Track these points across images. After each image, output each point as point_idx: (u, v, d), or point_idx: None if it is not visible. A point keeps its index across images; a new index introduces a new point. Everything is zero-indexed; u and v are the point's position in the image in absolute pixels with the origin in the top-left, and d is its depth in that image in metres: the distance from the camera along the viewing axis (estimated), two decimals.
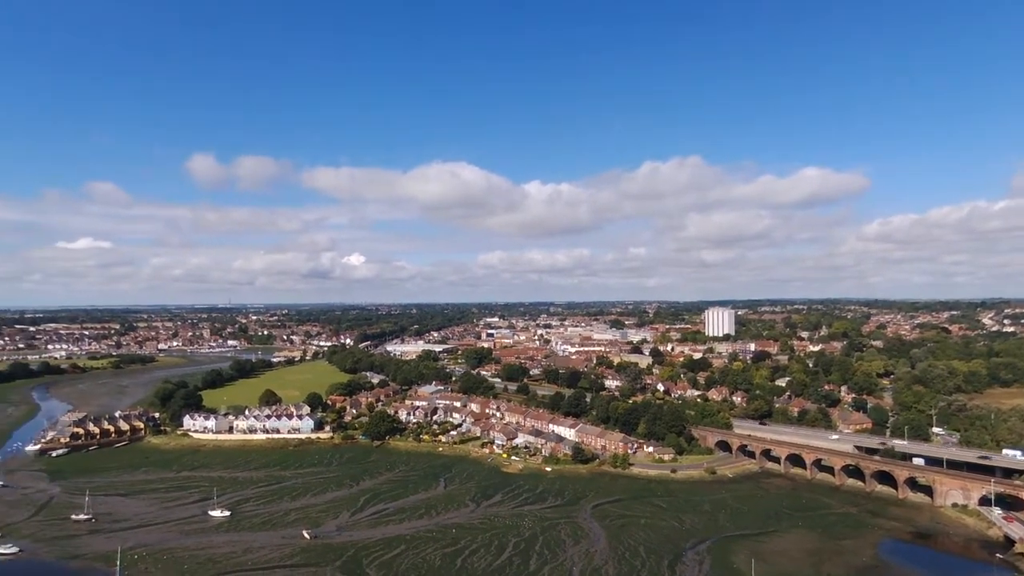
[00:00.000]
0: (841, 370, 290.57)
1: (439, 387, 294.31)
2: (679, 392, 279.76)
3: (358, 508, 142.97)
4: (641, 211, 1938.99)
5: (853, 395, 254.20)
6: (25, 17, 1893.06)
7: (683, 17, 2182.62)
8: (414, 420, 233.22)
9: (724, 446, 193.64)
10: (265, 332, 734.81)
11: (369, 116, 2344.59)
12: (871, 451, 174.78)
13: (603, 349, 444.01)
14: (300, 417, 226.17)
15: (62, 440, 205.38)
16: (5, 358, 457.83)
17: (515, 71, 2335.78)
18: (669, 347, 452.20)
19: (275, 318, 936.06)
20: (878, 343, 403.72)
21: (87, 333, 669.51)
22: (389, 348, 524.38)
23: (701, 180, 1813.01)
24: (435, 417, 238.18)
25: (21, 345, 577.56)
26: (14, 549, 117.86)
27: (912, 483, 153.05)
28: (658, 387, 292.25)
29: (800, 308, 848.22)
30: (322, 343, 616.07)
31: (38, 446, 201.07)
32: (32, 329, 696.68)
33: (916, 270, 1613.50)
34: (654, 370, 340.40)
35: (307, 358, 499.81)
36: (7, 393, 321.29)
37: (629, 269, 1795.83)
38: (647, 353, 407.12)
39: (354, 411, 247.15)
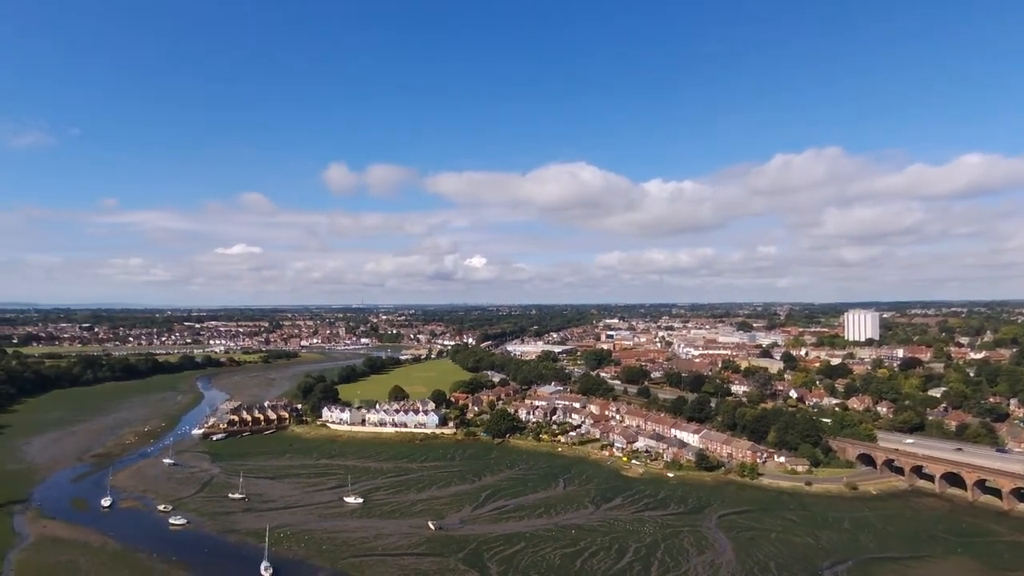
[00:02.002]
0: (1010, 380, 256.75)
1: (558, 387, 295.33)
2: (814, 400, 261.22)
3: (479, 503, 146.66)
4: (771, 207, 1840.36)
5: None
6: (181, 44, 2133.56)
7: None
8: (533, 419, 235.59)
9: (867, 460, 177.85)
10: (394, 331, 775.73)
11: (489, 121, 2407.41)
12: None
13: (729, 353, 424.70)
14: (426, 413, 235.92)
15: (221, 426, 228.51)
16: (176, 351, 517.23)
17: (634, 68, 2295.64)
18: (803, 351, 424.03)
19: (403, 318, 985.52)
20: None
21: (241, 330, 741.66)
22: (509, 348, 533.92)
23: (840, 172, 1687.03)
24: (554, 417, 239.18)
25: (188, 340, 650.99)
26: (183, 520, 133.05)
27: None
28: (790, 394, 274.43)
29: (958, 311, 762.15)
30: (446, 342, 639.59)
31: (202, 430, 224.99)
32: (197, 326, 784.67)
33: None
34: (786, 376, 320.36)
35: (432, 356, 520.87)
36: (177, 382, 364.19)
37: (758, 269, 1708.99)
38: (778, 357, 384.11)
39: (476, 408, 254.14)
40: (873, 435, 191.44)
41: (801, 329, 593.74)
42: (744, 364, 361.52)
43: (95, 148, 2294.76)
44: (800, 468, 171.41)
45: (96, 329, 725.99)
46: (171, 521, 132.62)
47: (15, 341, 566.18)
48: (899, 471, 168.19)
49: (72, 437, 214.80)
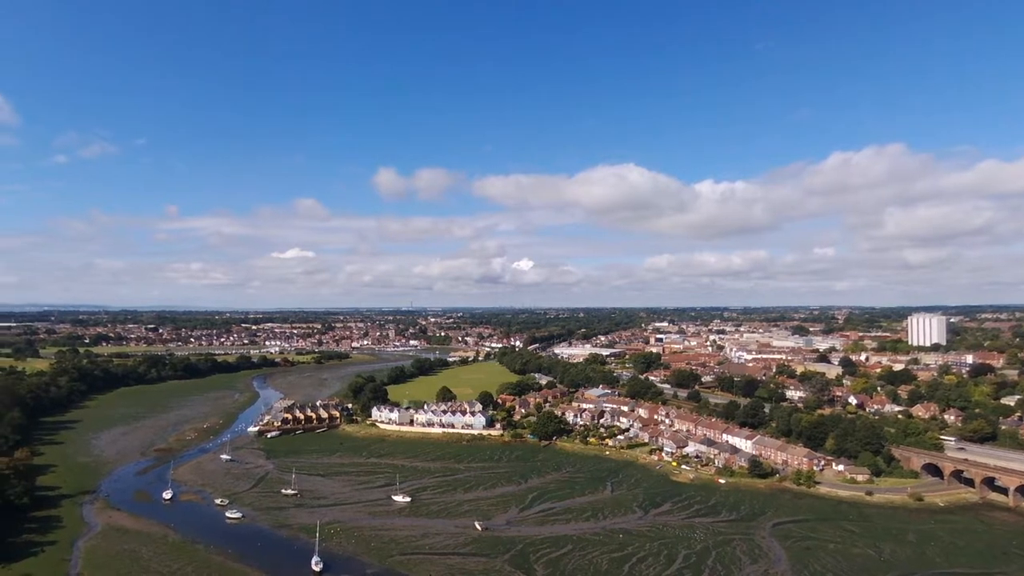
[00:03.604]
0: None
1: (606, 391, 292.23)
2: (875, 406, 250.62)
3: (526, 505, 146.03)
4: (828, 207, 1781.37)
5: None
6: (237, 56, 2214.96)
7: None
8: (581, 422, 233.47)
9: (932, 470, 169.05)
10: (442, 333, 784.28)
11: (536, 123, 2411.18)
12: None
13: (784, 357, 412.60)
14: (473, 414, 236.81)
15: (275, 424, 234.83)
16: (234, 352, 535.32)
17: (683, 67, 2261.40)
18: (863, 357, 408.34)
19: (451, 320, 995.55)
20: None
21: (295, 332, 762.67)
22: (557, 351, 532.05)
23: (904, 170, 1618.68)
24: (602, 420, 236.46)
25: (245, 341, 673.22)
26: (239, 514, 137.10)
27: None
28: (849, 400, 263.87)
29: None
30: (493, 345, 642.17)
31: (257, 428, 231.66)
32: (254, 328, 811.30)
33: None
34: (844, 381, 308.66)
35: (479, 358, 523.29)
36: (235, 381, 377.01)
37: (814, 272, 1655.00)
38: (836, 363, 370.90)
39: (523, 411, 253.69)
40: (940, 444, 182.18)
41: (861, 334, 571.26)
42: (800, 369, 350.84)
43: (158, 157, 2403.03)
44: (860, 477, 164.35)
45: (160, 330, 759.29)
46: (227, 515, 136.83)
47: (87, 341, 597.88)
48: (969, 483, 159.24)
49: (137, 432, 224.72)
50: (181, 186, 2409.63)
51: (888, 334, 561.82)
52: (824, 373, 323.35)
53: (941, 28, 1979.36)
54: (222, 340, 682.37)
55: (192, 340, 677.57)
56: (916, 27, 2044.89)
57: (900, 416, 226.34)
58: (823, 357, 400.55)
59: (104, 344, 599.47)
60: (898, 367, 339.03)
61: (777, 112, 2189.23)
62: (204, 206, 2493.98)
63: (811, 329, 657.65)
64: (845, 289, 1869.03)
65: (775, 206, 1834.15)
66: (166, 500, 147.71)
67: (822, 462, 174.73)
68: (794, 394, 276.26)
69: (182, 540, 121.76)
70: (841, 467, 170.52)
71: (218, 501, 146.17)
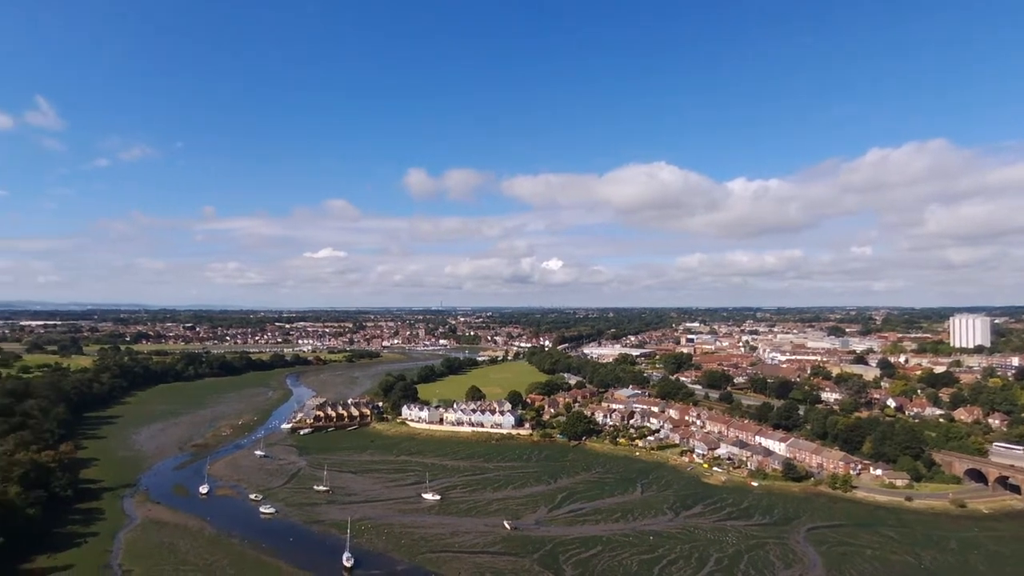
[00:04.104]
0: None
1: (636, 391, 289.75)
2: (915, 410, 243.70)
3: (555, 505, 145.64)
4: (865, 205, 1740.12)
5: None
6: (269, 61, 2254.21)
7: None
8: (610, 423, 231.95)
9: (976, 476, 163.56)
10: (471, 333, 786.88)
11: (565, 122, 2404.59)
12: None
13: (819, 359, 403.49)
14: (502, 413, 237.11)
15: (308, 421, 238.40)
16: (268, 350, 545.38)
17: (714, 64, 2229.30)
18: (902, 358, 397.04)
19: (480, 320, 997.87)
20: None
21: (327, 331, 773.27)
22: (586, 351, 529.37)
23: (946, 166, 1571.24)
24: (632, 421, 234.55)
25: (279, 340, 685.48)
26: (272, 510, 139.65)
27: None
28: (888, 403, 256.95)
29: None
30: (522, 344, 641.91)
31: (290, 425, 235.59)
32: (287, 326, 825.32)
33: None
34: (883, 383, 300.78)
35: (508, 358, 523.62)
36: (269, 379, 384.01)
37: (850, 271, 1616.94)
38: (874, 364, 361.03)
39: (552, 410, 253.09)
40: (984, 449, 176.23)
41: (900, 335, 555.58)
42: (836, 371, 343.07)
43: (196, 159, 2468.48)
44: (899, 482, 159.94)
45: (197, 328, 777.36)
46: (262, 510, 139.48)
47: (127, 339, 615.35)
48: (1015, 489, 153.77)
49: (175, 428, 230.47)
50: (218, 188, 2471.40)
51: (928, 335, 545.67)
52: (861, 375, 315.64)
53: (983, 19, 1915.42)
54: (256, 338, 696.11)
55: (228, 338, 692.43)
56: (956, 19, 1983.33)
57: (941, 420, 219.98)
58: (860, 359, 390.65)
59: (144, 342, 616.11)
60: (939, 369, 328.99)
61: (812, 108, 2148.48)
62: (240, 207, 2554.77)
63: (848, 330, 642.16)
64: (883, 289, 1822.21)
65: (810, 204, 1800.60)
66: (203, 494, 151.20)
67: (859, 466, 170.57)
68: (829, 396, 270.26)
69: (218, 534, 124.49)
70: (879, 471, 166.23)
71: (252, 496, 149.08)
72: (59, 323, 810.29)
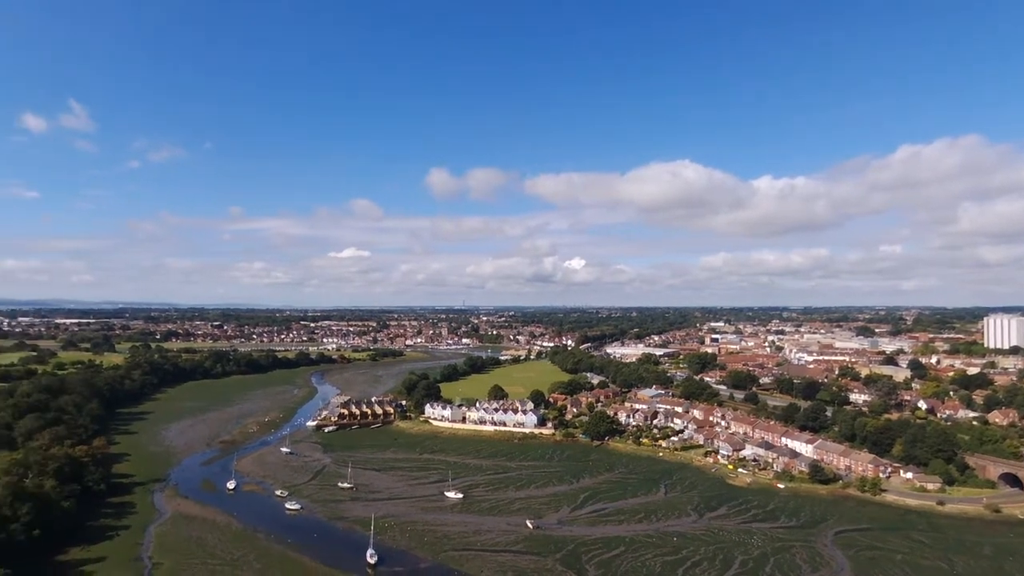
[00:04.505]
0: None
1: (659, 391, 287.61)
2: (947, 412, 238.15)
3: (578, 504, 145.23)
4: (894, 203, 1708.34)
5: None
6: (296, 63, 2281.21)
7: None
8: (633, 423, 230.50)
9: (1011, 480, 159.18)
10: (494, 332, 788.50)
11: (587, 121, 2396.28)
12: None
13: (847, 359, 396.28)
14: (524, 412, 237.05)
15: (332, 419, 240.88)
16: (293, 348, 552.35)
17: (739, 60, 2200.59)
18: (933, 359, 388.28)
19: (503, 319, 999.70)
20: None
21: (351, 329, 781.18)
22: (609, 350, 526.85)
23: (979, 162, 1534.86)
24: (655, 421, 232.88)
25: (304, 338, 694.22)
26: (297, 506, 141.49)
27: None
28: (919, 404, 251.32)
29: None
30: (545, 343, 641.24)
31: (315, 422, 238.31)
32: (312, 325, 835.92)
33: None
34: (914, 385, 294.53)
35: (531, 357, 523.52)
36: (294, 376, 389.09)
37: (880, 270, 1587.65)
38: (904, 365, 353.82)
39: (575, 410, 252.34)
40: (1020, 453, 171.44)
41: (932, 335, 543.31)
42: (865, 372, 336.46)
43: (223, 161, 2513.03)
44: (931, 486, 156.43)
45: (225, 327, 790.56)
46: (287, 506, 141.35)
47: (158, 337, 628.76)
48: None
49: (203, 425, 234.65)
50: (244, 188, 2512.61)
51: (961, 336, 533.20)
52: (891, 376, 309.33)
53: (1017, 13, 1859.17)
54: (282, 337, 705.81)
55: (254, 337, 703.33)
56: (989, 13, 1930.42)
57: (975, 423, 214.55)
58: (890, 359, 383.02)
59: (173, 340, 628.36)
60: (973, 371, 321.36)
61: (840, 105, 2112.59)
62: (266, 208, 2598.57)
63: (877, 330, 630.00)
64: (913, 288, 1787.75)
65: (838, 202, 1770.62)
66: (230, 490, 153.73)
67: (888, 469, 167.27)
68: (858, 397, 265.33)
69: (244, 529, 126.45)
70: (910, 475, 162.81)
71: (278, 492, 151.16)
72: (92, 321, 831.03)
